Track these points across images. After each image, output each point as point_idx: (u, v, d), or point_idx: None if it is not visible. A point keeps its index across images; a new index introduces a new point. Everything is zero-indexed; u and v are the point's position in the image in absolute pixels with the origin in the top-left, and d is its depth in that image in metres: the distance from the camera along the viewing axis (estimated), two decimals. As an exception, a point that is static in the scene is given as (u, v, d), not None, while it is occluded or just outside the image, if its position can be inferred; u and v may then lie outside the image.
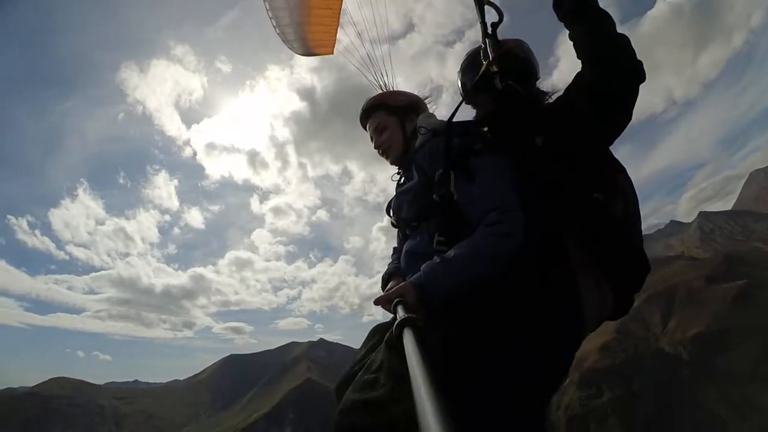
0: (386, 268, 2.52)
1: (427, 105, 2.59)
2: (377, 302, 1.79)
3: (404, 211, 2.27)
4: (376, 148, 2.51)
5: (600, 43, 1.85)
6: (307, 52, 3.96)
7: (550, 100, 2.33)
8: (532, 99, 2.35)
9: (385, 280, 2.36)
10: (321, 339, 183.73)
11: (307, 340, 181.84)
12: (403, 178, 2.43)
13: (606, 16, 1.86)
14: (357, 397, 1.68)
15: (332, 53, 3.86)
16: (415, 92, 2.67)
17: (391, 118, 2.47)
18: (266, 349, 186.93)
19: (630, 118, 1.94)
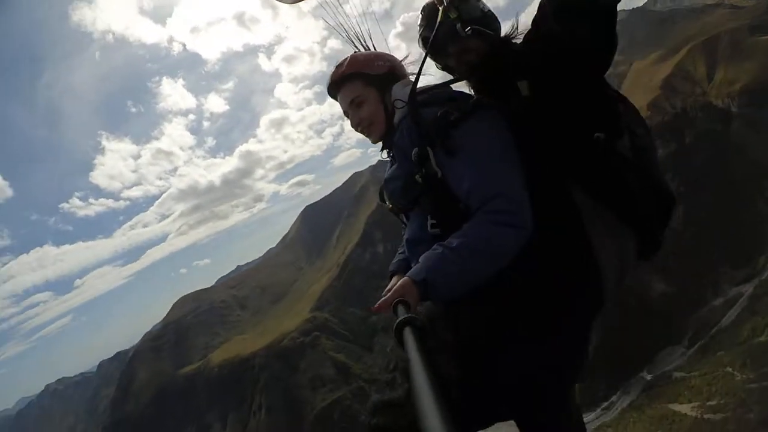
0: (395, 257, 2.47)
1: (405, 69, 2.31)
2: (377, 310, 1.70)
3: (395, 198, 2.18)
4: (354, 126, 2.24)
5: None
6: None
7: (518, 40, 2.21)
8: (503, 41, 2.23)
9: (389, 279, 2.28)
10: (379, 161, 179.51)
11: (367, 167, 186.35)
12: (390, 161, 2.24)
13: None
14: (378, 398, 1.76)
15: None
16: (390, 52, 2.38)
17: (369, 90, 2.18)
18: (334, 188, 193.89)
19: (613, 35, 1.75)
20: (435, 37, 2.16)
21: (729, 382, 42.84)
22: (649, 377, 55.64)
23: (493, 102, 1.99)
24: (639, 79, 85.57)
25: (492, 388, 1.78)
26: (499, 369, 1.78)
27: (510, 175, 1.81)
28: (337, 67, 2.22)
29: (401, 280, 1.71)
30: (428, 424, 0.73)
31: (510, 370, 1.78)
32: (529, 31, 1.96)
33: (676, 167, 61.85)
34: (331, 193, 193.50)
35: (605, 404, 55.53)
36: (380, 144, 2.29)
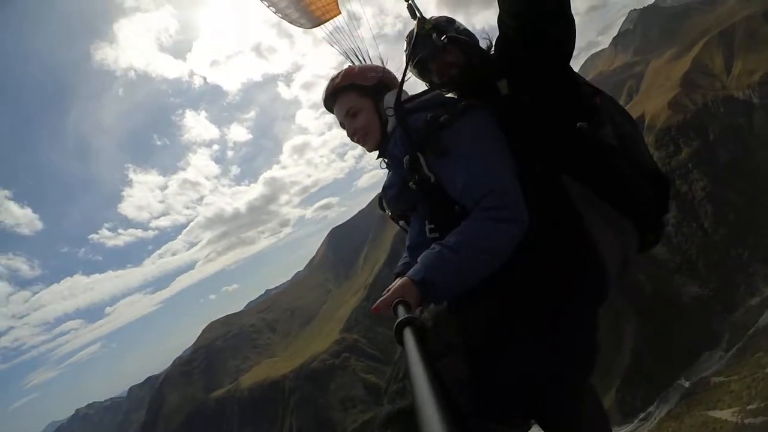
0: (399, 261, 2.47)
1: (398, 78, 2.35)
2: (376, 310, 1.69)
3: (393, 205, 2.25)
4: (350, 136, 2.28)
5: None
6: (318, 22, 3.83)
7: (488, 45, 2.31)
8: (477, 46, 2.35)
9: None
10: None
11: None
12: (387, 169, 2.29)
13: None
14: (390, 408, 1.78)
15: (340, 13, 3.71)
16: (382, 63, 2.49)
17: (363, 101, 2.23)
18: (359, 210, 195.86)
19: (568, 16, 1.81)
20: (414, 47, 2.32)
21: (769, 384, 40.74)
22: (687, 384, 53.23)
23: (480, 104, 2.03)
24: (657, 78, 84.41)
25: (500, 388, 1.78)
26: (503, 368, 1.78)
27: (502, 172, 1.84)
28: (331, 80, 2.28)
29: (401, 281, 1.72)
30: (427, 423, 0.72)
31: (514, 368, 1.78)
32: (497, 38, 2.04)
33: (701, 165, 60.36)
34: (356, 215, 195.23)
35: (642, 415, 53.42)
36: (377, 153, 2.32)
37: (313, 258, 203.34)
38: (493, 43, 2.15)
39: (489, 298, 1.83)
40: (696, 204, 60.43)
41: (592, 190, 1.91)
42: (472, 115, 1.96)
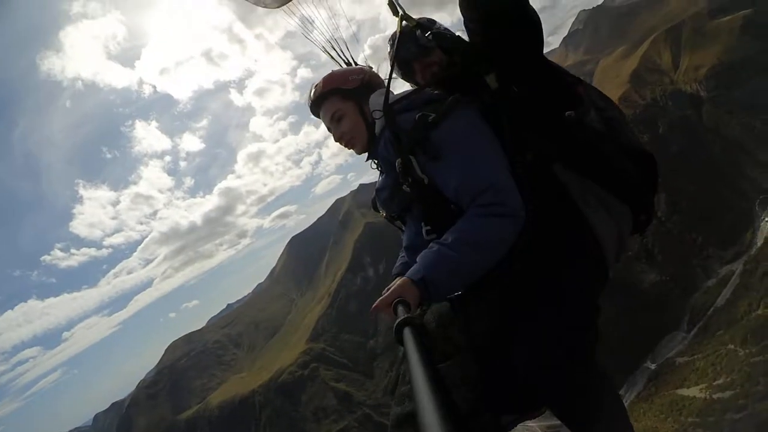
0: (397, 261, 2.46)
1: (380, 78, 2.36)
2: (376, 310, 1.72)
3: (388, 207, 2.22)
4: (337, 140, 2.27)
5: None
6: (282, 2, 3.33)
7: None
8: (460, 42, 2.30)
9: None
10: (360, 185, 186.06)
11: (348, 192, 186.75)
12: (378, 171, 2.28)
13: None
14: (399, 410, 1.82)
15: None
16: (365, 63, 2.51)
17: (347, 104, 2.22)
18: (318, 217, 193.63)
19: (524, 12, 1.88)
20: (398, 47, 2.27)
21: (733, 359, 43.01)
22: (653, 366, 55.67)
23: (468, 99, 2.02)
24: (606, 76, 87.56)
25: (510, 379, 1.80)
26: (511, 359, 1.80)
27: (494, 167, 1.83)
28: (314, 86, 2.26)
29: (400, 281, 1.72)
30: (427, 423, 0.73)
31: (522, 357, 1.79)
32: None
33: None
34: (315, 222, 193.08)
35: (613, 399, 55.03)
36: (365, 157, 2.29)
37: (274, 268, 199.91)
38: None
39: (491, 292, 1.87)
40: (649, 193, 63.18)
41: (583, 175, 1.94)
42: (460, 112, 1.95)
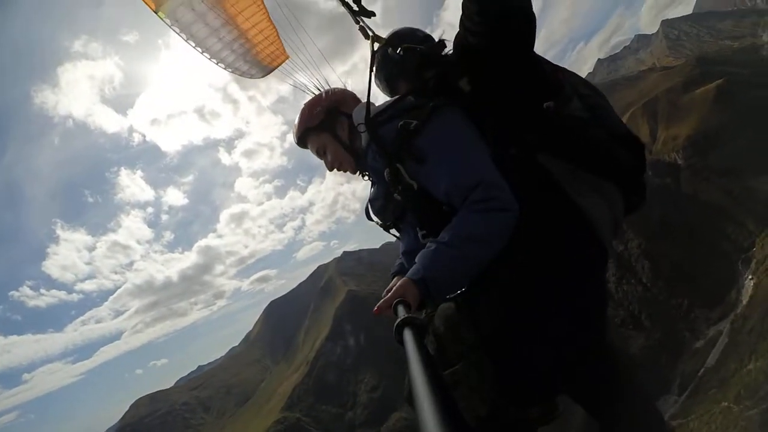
0: (396, 262, 2.52)
1: (346, 93, 2.49)
2: (378, 311, 1.73)
3: (382, 216, 2.29)
4: (329, 170, 2.40)
5: None
6: (268, 70, 3.97)
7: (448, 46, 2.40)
8: (435, 50, 2.44)
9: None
10: (344, 252, 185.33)
11: (331, 259, 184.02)
12: (370, 183, 2.36)
13: None
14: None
15: (288, 57, 3.81)
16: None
17: (322, 137, 2.36)
18: (298, 283, 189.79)
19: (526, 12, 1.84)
20: (377, 67, 2.51)
21: (728, 416, 42.23)
22: (646, 432, 53.63)
23: (447, 101, 2.08)
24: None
25: (527, 371, 1.81)
26: (525, 351, 1.81)
27: (482, 164, 1.88)
28: (292, 131, 2.46)
29: (401, 281, 1.74)
30: (426, 423, 0.73)
31: (535, 347, 1.81)
32: (458, 34, 2.06)
33: (634, 225, 64.74)
34: (295, 288, 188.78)
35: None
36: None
37: (250, 332, 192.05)
38: (452, 44, 2.20)
39: (493, 288, 1.89)
40: (633, 261, 64.35)
41: (571, 163, 1.96)
42: (440, 115, 2.01)
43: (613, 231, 2.02)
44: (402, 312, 1.51)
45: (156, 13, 3.35)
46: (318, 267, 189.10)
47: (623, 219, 2.11)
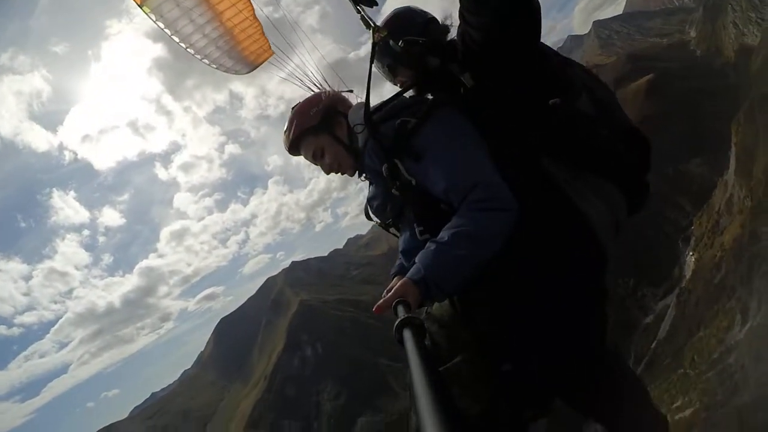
0: (396, 262, 2.48)
1: (341, 94, 2.46)
2: (378, 311, 1.71)
3: (381, 215, 2.27)
4: (326, 173, 2.34)
5: None
6: (253, 66, 4.03)
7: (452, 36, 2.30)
8: (436, 42, 2.30)
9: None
10: (292, 262, 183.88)
11: (279, 270, 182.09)
12: (369, 183, 2.31)
13: None
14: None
15: (273, 53, 3.86)
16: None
17: (321, 138, 2.28)
18: (248, 297, 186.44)
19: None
20: (378, 57, 2.42)
21: (685, 381, 45.39)
22: (608, 407, 56.41)
23: (447, 98, 2.05)
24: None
25: (525, 373, 1.82)
26: (523, 353, 1.83)
27: (481, 163, 1.86)
28: (285, 133, 2.35)
29: (401, 281, 1.73)
30: (427, 422, 0.73)
31: (534, 350, 1.82)
32: (460, 25, 2.00)
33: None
34: (244, 303, 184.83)
35: None
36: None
37: (202, 353, 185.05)
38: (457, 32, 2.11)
39: (491, 288, 1.87)
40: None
41: (574, 164, 1.92)
42: (439, 113, 1.99)
43: (614, 232, 1.99)
44: (402, 312, 1.52)
45: (141, 7, 3.21)
46: (266, 280, 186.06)
47: (626, 219, 2.06)
